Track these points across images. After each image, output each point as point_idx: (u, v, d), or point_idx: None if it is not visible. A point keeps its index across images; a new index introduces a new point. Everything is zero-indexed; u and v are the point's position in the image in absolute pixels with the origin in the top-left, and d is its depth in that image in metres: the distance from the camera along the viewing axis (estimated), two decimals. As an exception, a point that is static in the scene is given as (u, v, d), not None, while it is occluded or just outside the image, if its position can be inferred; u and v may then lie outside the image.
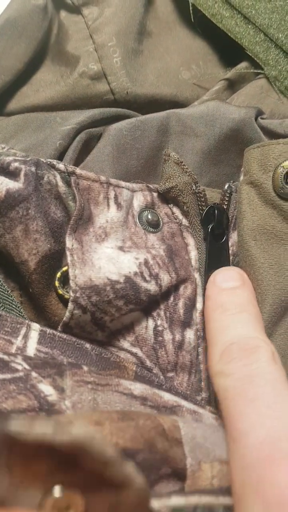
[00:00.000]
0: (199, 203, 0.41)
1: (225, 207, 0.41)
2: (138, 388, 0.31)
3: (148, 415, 0.27)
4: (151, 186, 0.42)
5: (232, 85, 0.47)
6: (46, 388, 0.28)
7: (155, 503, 0.24)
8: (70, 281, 0.36)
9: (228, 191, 0.42)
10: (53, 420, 0.26)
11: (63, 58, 0.47)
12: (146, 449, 0.25)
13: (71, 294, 0.36)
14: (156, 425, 0.26)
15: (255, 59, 0.45)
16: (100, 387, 0.30)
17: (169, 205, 0.42)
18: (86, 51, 0.46)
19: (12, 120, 0.46)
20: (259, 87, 0.45)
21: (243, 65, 0.46)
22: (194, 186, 0.41)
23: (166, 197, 0.42)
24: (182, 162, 0.41)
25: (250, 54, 0.45)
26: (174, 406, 0.31)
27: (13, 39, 0.45)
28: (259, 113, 0.44)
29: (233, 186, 0.42)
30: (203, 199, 0.41)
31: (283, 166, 0.37)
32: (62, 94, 0.46)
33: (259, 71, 0.46)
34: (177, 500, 0.25)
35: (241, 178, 0.40)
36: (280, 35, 0.44)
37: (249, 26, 0.45)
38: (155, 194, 0.42)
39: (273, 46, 0.45)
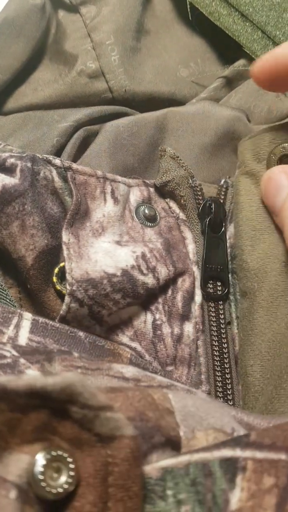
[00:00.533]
0: (196, 197, 0.41)
1: (221, 201, 0.41)
2: (130, 371, 0.30)
3: (137, 388, 0.27)
4: (147, 181, 0.42)
5: (230, 83, 0.47)
6: (34, 374, 0.28)
7: (146, 468, 0.24)
8: (67, 275, 0.36)
9: (224, 186, 0.42)
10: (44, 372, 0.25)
11: (61, 57, 0.47)
12: (137, 417, 0.25)
13: (68, 287, 0.36)
14: (145, 395, 0.26)
15: (253, 56, 0.45)
16: (90, 371, 0.29)
17: (166, 200, 0.42)
18: (84, 49, 0.46)
19: (11, 119, 0.46)
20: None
21: (241, 62, 0.47)
22: (190, 180, 0.41)
23: (163, 192, 0.42)
24: (178, 157, 0.41)
25: (248, 52, 0.46)
26: (169, 386, 0.31)
27: (11, 38, 0.45)
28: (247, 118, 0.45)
29: (229, 181, 0.42)
30: (199, 193, 0.41)
31: (274, 153, 0.38)
32: (61, 92, 0.46)
33: (257, 68, 0.46)
34: (167, 461, 0.24)
35: (237, 171, 0.41)
36: (278, 33, 0.44)
37: (247, 24, 0.45)
38: (151, 189, 0.42)
39: (270, 43, 0.45)
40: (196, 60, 0.48)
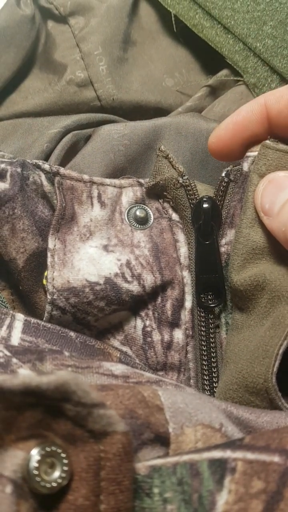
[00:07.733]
0: (189, 196, 0.39)
1: (220, 198, 0.39)
2: (119, 368, 0.31)
3: (127, 386, 0.27)
4: (141, 180, 0.41)
5: (214, 92, 0.48)
6: (27, 373, 0.29)
7: (135, 464, 0.24)
8: (48, 284, 0.37)
9: (225, 179, 0.39)
10: (36, 371, 0.26)
11: (51, 66, 0.48)
12: (127, 415, 0.25)
13: (48, 296, 0.37)
14: (135, 393, 0.26)
15: (235, 67, 0.47)
16: (80, 369, 0.30)
17: (160, 200, 0.41)
18: (73, 59, 0.47)
19: (0, 125, 0.47)
20: (239, 93, 0.47)
21: (223, 72, 0.48)
22: (181, 179, 0.39)
23: (155, 192, 0.41)
24: (168, 155, 0.40)
25: (230, 62, 0.47)
26: (158, 381, 0.31)
27: (2, 48, 0.46)
28: None
29: (231, 174, 0.39)
30: (191, 192, 0.39)
31: None
32: (50, 101, 0.47)
33: (238, 78, 0.47)
34: (156, 461, 0.25)
35: (247, 166, 0.38)
36: (258, 44, 0.46)
37: (229, 36, 0.46)
38: (145, 189, 0.41)
39: (251, 54, 0.46)
40: (181, 70, 0.49)
